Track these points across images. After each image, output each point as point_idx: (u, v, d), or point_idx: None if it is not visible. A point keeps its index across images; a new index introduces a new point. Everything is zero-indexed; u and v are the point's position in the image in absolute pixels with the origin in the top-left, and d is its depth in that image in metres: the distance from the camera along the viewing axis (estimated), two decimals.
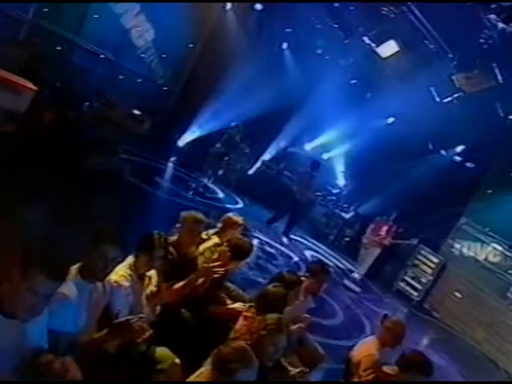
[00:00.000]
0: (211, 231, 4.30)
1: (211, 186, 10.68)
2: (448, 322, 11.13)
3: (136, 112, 10.01)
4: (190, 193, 9.64)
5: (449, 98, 9.53)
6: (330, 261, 10.79)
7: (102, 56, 9.94)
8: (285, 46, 12.77)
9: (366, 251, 9.44)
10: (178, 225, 3.86)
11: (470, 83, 8.01)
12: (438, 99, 9.65)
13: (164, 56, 11.03)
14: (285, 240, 10.02)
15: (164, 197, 8.59)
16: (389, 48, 9.74)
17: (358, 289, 9.44)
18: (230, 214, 4.42)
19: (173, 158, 11.81)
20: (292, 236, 10.58)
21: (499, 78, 7.58)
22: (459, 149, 12.13)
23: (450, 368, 8.21)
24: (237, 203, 10.85)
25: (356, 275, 9.54)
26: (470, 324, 10.97)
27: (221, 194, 10.84)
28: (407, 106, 11.31)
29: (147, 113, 10.22)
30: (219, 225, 4.31)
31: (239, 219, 4.36)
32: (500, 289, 10.95)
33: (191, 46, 11.43)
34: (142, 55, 10.76)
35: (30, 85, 7.02)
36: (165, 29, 10.63)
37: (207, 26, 11.51)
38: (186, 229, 3.80)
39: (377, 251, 9.44)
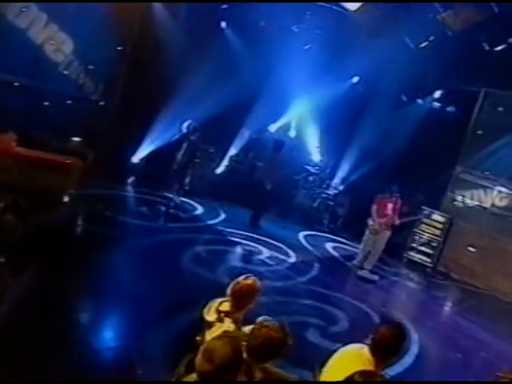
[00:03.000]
0: (215, 303, 3.02)
1: (183, 202, 9.27)
2: (468, 280, 10.29)
3: (74, 140, 8.38)
4: (162, 220, 8.24)
5: (424, 43, 8.44)
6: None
7: (15, 84, 8.19)
8: (223, 24, 11.30)
9: (375, 237, 8.29)
10: None
11: (460, 19, 6.94)
12: (412, 46, 8.53)
13: (91, 67, 9.36)
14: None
15: (132, 238, 7.08)
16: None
17: (375, 277, 8.37)
18: (242, 279, 3.09)
19: (131, 179, 10.32)
20: (261, 225, 9.47)
21: (495, 9, 6.51)
22: (437, 94, 11.13)
23: (485, 334, 7.32)
24: (218, 216, 9.51)
25: (369, 266, 8.43)
26: (492, 278, 10.14)
27: (198, 210, 9.46)
28: (375, 62, 10.16)
29: (86, 137, 8.60)
30: (228, 293, 3.01)
31: (254, 282, 3.05)
32: None
33: (120, 48, 9.80)
34: (65, 72, 9.05)
35: None
36: (84, 35, 8.95)
37: (134, 22, 9.89)
38: None
39: (387, 234, 8.32)
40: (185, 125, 8.81)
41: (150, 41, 9.78)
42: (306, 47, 11.48)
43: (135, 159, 10.49)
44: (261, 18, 11.17)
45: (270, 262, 7.72)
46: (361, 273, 8.38)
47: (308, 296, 6.68)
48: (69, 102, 9.08)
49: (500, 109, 10.15)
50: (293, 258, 8.27)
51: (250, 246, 8.21)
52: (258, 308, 3.17)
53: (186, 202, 9.42)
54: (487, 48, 7.93)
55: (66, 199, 7.02)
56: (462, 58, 8.56)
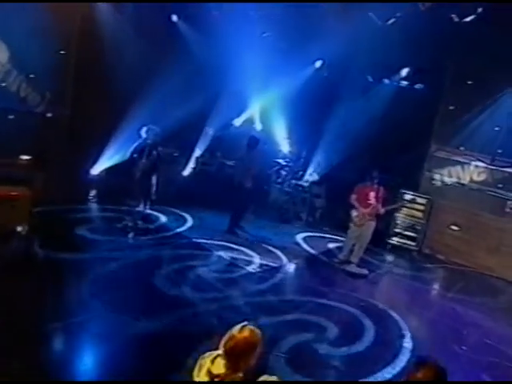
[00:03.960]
0: (207, 362, 2.41)
1: (151, 212, 8.56)
2: (454, 259, 10.07)
3: (23, 158, 7.51)
4: (131, 236, 7.51)
5: (391, 20, 7.98)
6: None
7: None
8: (175, 18, 10.53)
9: (360, 229, 7.84)
10: None
11: None
12: (379, 23, 8.05)
13: (32, 76, 8.44)
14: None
15: (97, 260, 6.35)
16: None
17: (365, 271, 7.94)
18: (237, 331, 2.46)
19: (92, 193, 9.51)
20: (239, 230, 8.91)
21: None
22: (404, 72, 10.75)
23: (478, 316, 7.06)
24: (185, 222, 8.84)
25: (355, 259, 7.99)
26: (477, 254, 9.96)
27: (168, 219, 8.77)
28: (338, 43, 9.64)
29: (36, 154, 7.75)
30: (222, 350, 2.40)
31: (252, 333, 2.44)
32: (496, 207, 9.95)
33: (63, 52, 8.90)
34: (3, 84, 8.12)
35: None
36: (20, 41, 8.03)
37: (74, 23, 9.00)
38: None
39: (372, 225, 7.90)
40: (144, 130, 8.06)
41: (95, 42, 8.93)
42: (265, 34, 10.87)
43: (95, 171, 9.66)
44: (213, 7, 10.46)
45: (256, 269, 7.17)
46: (349, 268, 7.93)
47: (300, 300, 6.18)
48: (11, 117, 8.15)
49: (470, 82, 9.86)
50: (279, 260, 7.76)
51: (231, 254, 7.62)
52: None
53: (153, 212, 8.69)
54: (456, 20, 7.54)
55: (19, 229, 6.24)
56: (429, 33, 8.15)
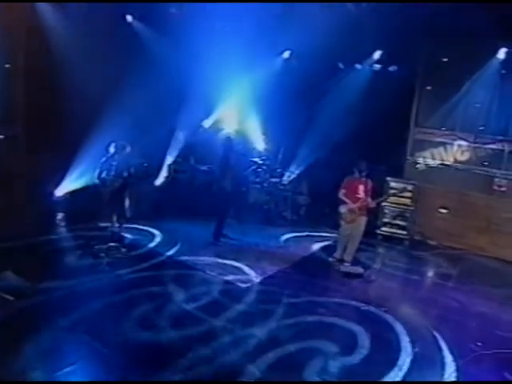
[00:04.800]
0: None
1: (126, 231, 7.90)
2: (447, 243, 9.78)
3: None
4: (105, 261, 6.82)
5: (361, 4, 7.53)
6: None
7: None
8: (129, 18, 9.79)
9: (351, 225, 7.37)
10: None
11: None
12: (353, 10, 7.58)
13: None
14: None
15: (69, 302, 5.63)
16: None
17: (360, 269, 7.50)
18: None
19: (59, 217, 8.76)
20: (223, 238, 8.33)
21: None
22: (376, 55, 10.32)
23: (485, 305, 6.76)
24: (153, 238, 8.19)
25: (349, 258, 7.55)
26: (468, 235, 9.71)
27: (138, 237, 8.07)
28: (306, 30, 9.13)
29: None
30: None
31: None
32: (484, 184, 9.71)
33: (8, 65, 8.08)
34: None
35: None
36: None
37: (19, 33, 8.18)
38: None
39: (364, 220, 7.45)
40: (112, 146, 7.44)
41: (44, 52, 8.14)
42: (228, 28, 10.24)
43: (59, 193, 8.89)
44: (172, 6, 9.78)
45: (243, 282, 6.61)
46: (343, 268, 7.47)
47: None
48: None
49: (445, 59, 9.53)
50: (270, 269, 7.22)
51: (222, 271, 7.03)
52: None
53: (128, 232, 8.01)
54: None
55: None
56: (400, 12, 7.73)
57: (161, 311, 5.48)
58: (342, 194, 7.41)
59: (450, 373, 4.87)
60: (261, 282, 6.71)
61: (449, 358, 5.14)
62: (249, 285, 6.58)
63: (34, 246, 7.08)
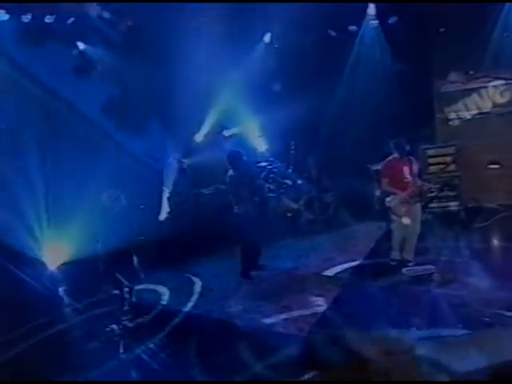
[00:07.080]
0: None
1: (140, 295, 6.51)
2: (507, 201, 8.32)
3: None
4: (122, 345, 5.41)
5: None
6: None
7: None
8: (81, 46, 8.44)
9: (406, 219, 5.89)
10: None
11: None
12: None
13: None
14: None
15: None
16: None
17: (430, 267, 5.98)
18: None
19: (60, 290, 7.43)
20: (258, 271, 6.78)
21: None
22: (371, 10, 8.80)
23: None
24: (162, 296, 6.61)
25: (410, 256, 6.12)
26: None
27: (160, 296, 6.64)
28: (282, 7, 7.71)
29: None
30: None
31: None
32: None
33: None
34: None
35: None
36: None
37: None
38: None
39: (419, 207, 6.01)
40: (104, 196, 6.17)
41: None
42: (201, 21, 8.80)
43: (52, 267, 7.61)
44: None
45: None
46: (409, 272, 5.99)
47: None
48: None
49: None
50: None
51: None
52: None
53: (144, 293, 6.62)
54: None
55: None
56: None
57: None
58: (384, 184, 5.96)
59: None
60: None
61: None
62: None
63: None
